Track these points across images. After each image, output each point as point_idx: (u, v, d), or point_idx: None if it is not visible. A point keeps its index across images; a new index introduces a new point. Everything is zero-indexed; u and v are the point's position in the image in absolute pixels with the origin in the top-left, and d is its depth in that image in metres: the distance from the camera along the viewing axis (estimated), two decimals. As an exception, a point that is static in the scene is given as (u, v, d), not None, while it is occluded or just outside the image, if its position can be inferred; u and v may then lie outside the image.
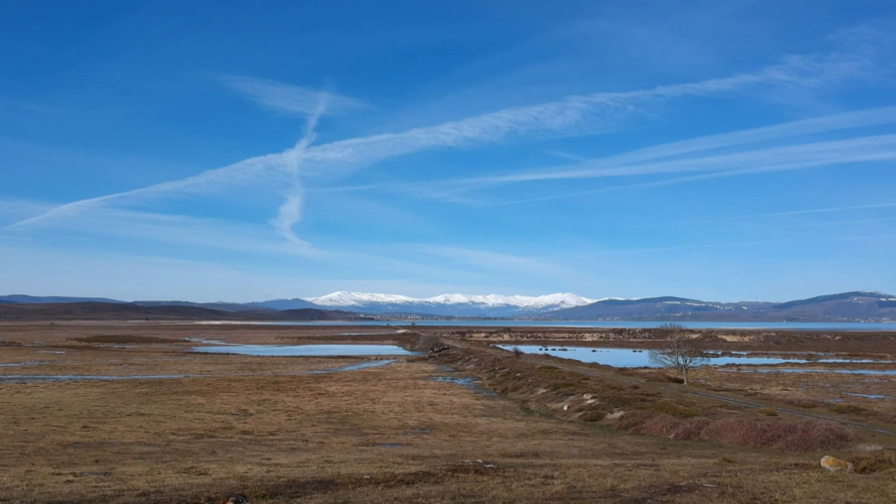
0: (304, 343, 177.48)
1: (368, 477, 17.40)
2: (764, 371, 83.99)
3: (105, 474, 18.28)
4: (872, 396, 55.27)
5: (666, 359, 62.10)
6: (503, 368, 73.95)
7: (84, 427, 32.66)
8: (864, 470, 16.84)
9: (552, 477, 17.22)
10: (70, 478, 17.38)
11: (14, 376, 66.81)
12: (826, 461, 17.57)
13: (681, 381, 60.07)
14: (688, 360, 60.67)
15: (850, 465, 17.55)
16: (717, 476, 16.21)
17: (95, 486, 15.90)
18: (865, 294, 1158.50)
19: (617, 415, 39.76)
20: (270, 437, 31.32)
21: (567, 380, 55.91)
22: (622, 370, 75.34)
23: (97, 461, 22.20)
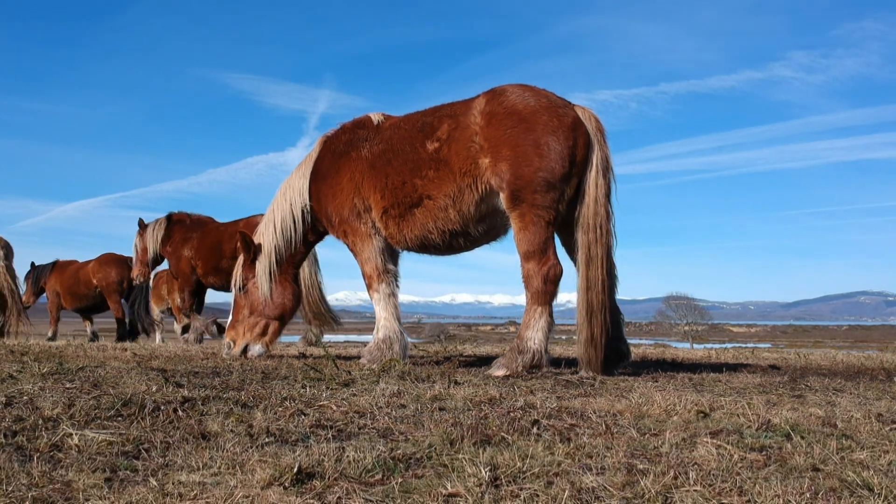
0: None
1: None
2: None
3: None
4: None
5: (673, 318, 62.34)
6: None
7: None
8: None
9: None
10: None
11: (23, 349, 67.58)
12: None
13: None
14: (692, 322, 60.78)
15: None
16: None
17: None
18: (873, 293, 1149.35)
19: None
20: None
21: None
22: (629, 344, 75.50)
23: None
